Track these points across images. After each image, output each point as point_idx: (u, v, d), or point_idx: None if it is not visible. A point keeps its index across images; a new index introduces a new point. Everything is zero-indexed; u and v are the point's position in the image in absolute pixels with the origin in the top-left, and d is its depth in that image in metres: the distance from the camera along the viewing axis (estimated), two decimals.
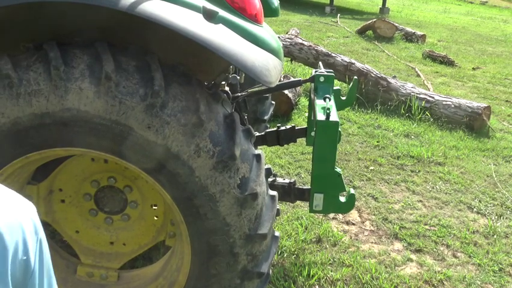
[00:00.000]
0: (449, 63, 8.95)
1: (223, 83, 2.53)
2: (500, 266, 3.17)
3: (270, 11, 2.60)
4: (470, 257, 3.25)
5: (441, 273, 3.04)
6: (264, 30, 2.03)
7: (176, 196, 1.81)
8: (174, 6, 1.69)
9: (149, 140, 1.69)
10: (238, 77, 2.48)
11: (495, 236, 3.50)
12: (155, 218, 2.31)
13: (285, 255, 3.07)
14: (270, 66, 1.84)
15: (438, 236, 3.44)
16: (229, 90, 2.52)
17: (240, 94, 2.61)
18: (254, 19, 2.00)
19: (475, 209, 3.88)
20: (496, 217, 3.78)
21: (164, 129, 1.68)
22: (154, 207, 2.28)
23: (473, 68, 8.92)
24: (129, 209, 2.24)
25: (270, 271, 2.18)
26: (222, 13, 1.82)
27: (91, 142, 1.73)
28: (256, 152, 1.94)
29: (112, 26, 1.79)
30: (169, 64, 1.78)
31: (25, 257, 0.82)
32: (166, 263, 2.26)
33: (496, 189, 4.23)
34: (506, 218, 3.79)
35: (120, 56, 1.70)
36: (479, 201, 4.01)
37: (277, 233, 2.14)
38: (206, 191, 1.77)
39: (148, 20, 1.58)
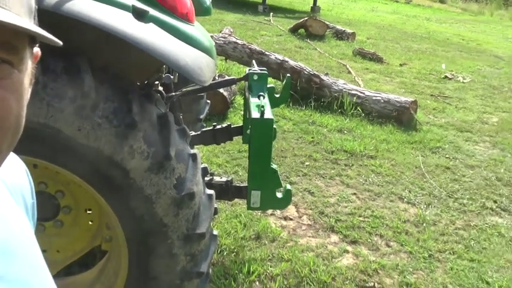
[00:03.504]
0: (378, 60, 9.27)
1: (157, 82, 2.50)
2: (430, 252, 3.34)
3: (202, 10, 2.59)
4: (402, 245, 3.40)
5: (375, 262, 3.16)
6: (196, 29, 2.02)
7: (111, 199, 1.77)
8: (103, 5, 1.65)
9: (81, 143, 1.65)
10: (171, 77, 2.46)
11: (424, 224, 3.68)
12: (90, 223, 2.25)
13: (225, 253, 3.08)
14: (203, 65, 1.84)
15: (372, 227, 3.57)
16: (163, 90, 2.49)
17: (174, 94, 2.58)
18: (185, 18, 1.98)
19: (405, 199, 4.05)
20: (425, 206, 3.97)
21: (95, 131, 1.64)
22: (88, 212, 2.22)
23: (400, 64, 9.29)
24: (62, 214, 2.17)
25: (210, 270, 2.18)
26: (153, 12, 1.79)
27: (18, 146, 1.65)
28: (192, 151, 1.93)
29: (39, 25, 1.73)
30: (100, 65, 1.74)
31: (33, 201, 0.89)
32: (103, 268, 2.21)
33: (424, 180, 4.44)
34: (434, 206, 3.98)
35: (47, 57, 1.64)
36: (409, 191, 4.19)
37: (215, 232, 2.14)
38: (142, 193, 1.74)
39: (77, 20, 1.54)
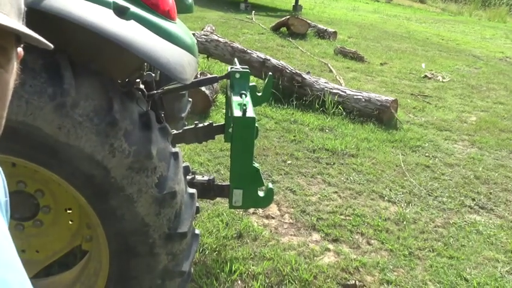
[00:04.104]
0: (359, 59, 9.32)
1: (138, 80, 2.48)
2: (410, 250, 3.37)
3: (183, 8, 2.57)
4: (382, 243, 3.43)
5: (356, 260, 3.18)
6: (178, 27, 2.01)
7: (92, 198, 1.75)
8: (84, 2, 1.63)
9: (61, 141, 1.62)
10: (153, 75, 2.44)
11: (405, 222, 3.72)
12: (70, 222, 2.22)
13: (207, 252, 3.07)
14: (185, 63, 1.83)
15: (353, 225, 3.60)
16: (145, 87, 2.47)
17: (155, 92, 2.56)
18: (167, 15, 1.97)
19: (386, 198, 4.09)
20: (405, 204, 4.01)
21: (76, 129, 1.62)
22: (68, 211, 2.19)
23: (381, 64, 9.36)
24: (41, 214, 2.13)
25: (192, 269, 2.17)
26: (134, 9, 1.78)
27: None
28: (174, 150, 1.92)
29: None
30: (80, 62, 1.71)
31: (6, 198, 0.87)
32: (84, 268, 2.18)
33: (405, 178, 4.48)
34: (414, 204, 4.03)
35: (26, 54, 1.61)
36: (390, 189, 4.23)
37: (197, 231, 2.14)
38: (123, 192, 1.72)
39: (57, 16, 1.52)
